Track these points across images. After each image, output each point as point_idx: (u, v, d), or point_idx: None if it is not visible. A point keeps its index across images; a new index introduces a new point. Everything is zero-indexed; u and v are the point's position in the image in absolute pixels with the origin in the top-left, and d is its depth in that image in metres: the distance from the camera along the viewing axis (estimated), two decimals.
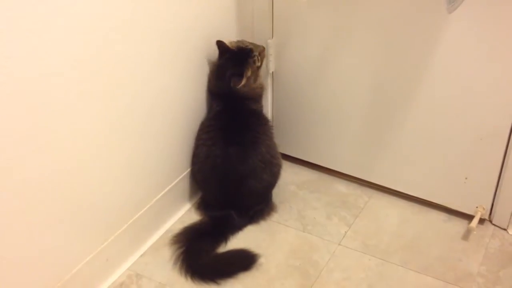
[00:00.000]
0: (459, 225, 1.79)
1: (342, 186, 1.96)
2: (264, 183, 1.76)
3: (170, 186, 1.77)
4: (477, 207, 1.76)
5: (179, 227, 1.78)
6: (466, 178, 1.74)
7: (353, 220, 1.82)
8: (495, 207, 1.75)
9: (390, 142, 1.82)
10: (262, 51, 1.76)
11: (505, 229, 1.77)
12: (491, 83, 1.57)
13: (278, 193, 1.90)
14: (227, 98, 1.74)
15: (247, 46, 1.74)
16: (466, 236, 1.75)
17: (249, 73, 1.70)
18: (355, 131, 1.88)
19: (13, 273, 1.32)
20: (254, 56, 1.72)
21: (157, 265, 1.66)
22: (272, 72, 1.93)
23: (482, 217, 1.76)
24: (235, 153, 1.69)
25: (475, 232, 1.74)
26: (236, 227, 1.76)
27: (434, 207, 1.85)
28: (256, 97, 1.79)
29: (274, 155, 1.78)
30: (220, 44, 1.72)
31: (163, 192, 1.75)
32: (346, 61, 1.77)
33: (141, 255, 1.69)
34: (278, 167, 1.81)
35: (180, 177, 1.81)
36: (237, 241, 1.73)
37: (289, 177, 1.99)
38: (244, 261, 1.64)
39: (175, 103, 1.69)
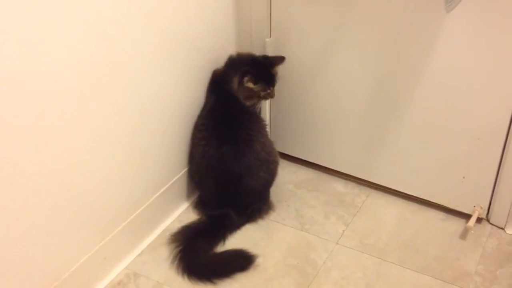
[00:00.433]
0: (456, 224, 1.79)
1: (340, 185, 1.96)
2: (261, 180, 1.76)
3: (167, 185, 1.77)
4: (474, 206, 1.76)
5: (177, 226, 1.77)
6: (463, 178, 1.74)
7: (351, 219, 1.82)
8: (492, 206, 1.76)
9: (388, 141, 1.83)
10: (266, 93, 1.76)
11: (502, 228, 1.77)
12: (488, 83, 1.57)
13: (276, 192, 1.90)
14: (222, 92, 1.73)
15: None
16: (463, 235, 1.75)
17: (250, 85, 1.69)
18: (353, 130, 1.88)
19: (11, 271, 1.32)
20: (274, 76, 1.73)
21: (154, 264, 1.65)
22: None
23: (480, 216, 1.76)
24: (230, 152, 1.69)
25: (472, 231, 1.74)
26: (234, 226, 1.76)
27: (432, 206, 1.85)
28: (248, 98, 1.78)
29: (270, 152, 1.78)
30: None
31: (160, 191, 1.75)
32: (344, 59, 1.77)
33: (139, 254, 1.69)
34: (275, 164, 1.80)
35: (178, 176, 1.81)
36: (235, 240, 1.73)
37: (287, 176, 1.99)
38: (241, 261, 1.64)
39: (173, 102, 1.69)
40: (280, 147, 1.96)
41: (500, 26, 1.49)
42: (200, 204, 1.86)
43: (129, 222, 1.64)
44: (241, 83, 1.69)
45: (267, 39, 1.85)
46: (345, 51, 1.76)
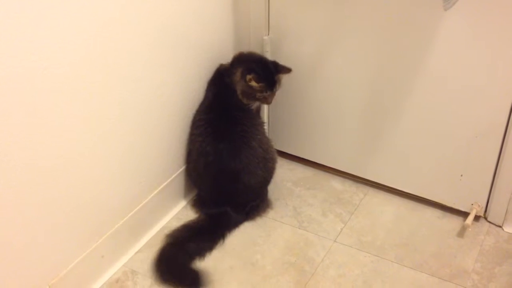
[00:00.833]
0: (454, 222, 1.79)
1: (338, 183, 1.97)
2: (258, 178, 1.76)
3: (165, 183, 1.77)
4: (472, 204, 1.76)
5: (174, 224, 1.78)
6: (461, 175, 1.74)
7: (349, 217, 1.82)
8: (490, 204, 1.76)
9: (386, 139, 1.83)
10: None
11: (500, 226, 1.77)
12: (486, 80, 1.57)
13: (274, 190, 1.90)
14: (223, 84, 1.73)
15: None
16: (461, 233, 1.75)
17: (253, 82, 1.68)
18: (351, 128, 1.88)
19: (8, 269, 1.32)
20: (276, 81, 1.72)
21: (152, 262, 1.65)
22: None
23: (477, 214, 1.76)
24: (226, 149, 1.69)
25: (470, 229, 1.74)
26: (233, 224, 1.76)
27: (430, 204, 1.85)
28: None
29: (267, 149, 1.77)
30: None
31: (158, 189, 1.75)
32: (342, 58, 1.77)
33: (137, 252, 1.69)
34: (273, 162, 1.80)
35: (176, 174, 1.81)
36: (233, 238, 1.73)
37: (285, 174, 1.99)
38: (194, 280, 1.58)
39: (171, 100, 1.69)
40: (278, 145, 1.96)
41: (498, 24, 1.49)
42: (198, 202, 1.86)
43: (126, 220, 1.64)
44: (243, 76, 1.67)
45: (265, 37, 1.85)
46: (343, 49, 1.76)
